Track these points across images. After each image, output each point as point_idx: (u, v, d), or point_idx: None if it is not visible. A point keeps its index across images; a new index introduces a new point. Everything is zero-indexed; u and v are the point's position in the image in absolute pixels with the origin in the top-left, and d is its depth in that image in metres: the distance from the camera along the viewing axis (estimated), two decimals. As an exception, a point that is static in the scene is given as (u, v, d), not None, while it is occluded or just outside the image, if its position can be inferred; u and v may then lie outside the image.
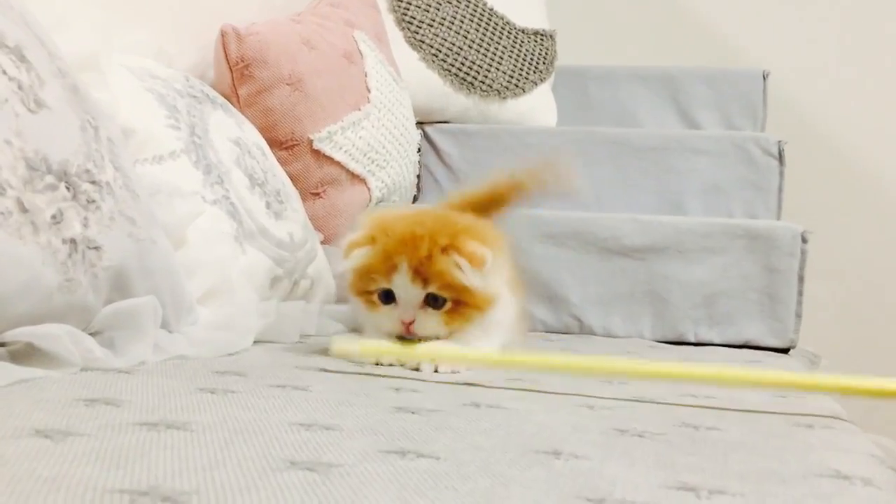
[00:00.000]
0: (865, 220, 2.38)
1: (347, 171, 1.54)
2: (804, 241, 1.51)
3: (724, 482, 0.52)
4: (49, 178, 0.79)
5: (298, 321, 1.15)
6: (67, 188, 0.81)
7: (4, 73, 0.80)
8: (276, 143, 1.44)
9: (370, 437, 0.59)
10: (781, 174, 1.81)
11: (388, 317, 0.96)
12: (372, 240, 0.97)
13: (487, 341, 0.98)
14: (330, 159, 1.51)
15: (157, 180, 1.05)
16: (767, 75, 2.13)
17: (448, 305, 0.95)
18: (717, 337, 1.51)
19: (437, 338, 0.96)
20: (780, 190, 1.81)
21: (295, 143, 1.46)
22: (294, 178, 1.44)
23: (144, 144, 1.07)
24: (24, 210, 0.76)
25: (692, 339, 1.52)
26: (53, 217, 0.79)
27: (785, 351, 1.50)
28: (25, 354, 0.76)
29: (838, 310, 2.32)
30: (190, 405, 0.65)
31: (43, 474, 0.45)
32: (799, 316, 1.51)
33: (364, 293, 0.98)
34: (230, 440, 0.55)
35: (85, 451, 0.50)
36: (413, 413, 0.68)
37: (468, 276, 0.93)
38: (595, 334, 1.54)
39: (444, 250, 0.94)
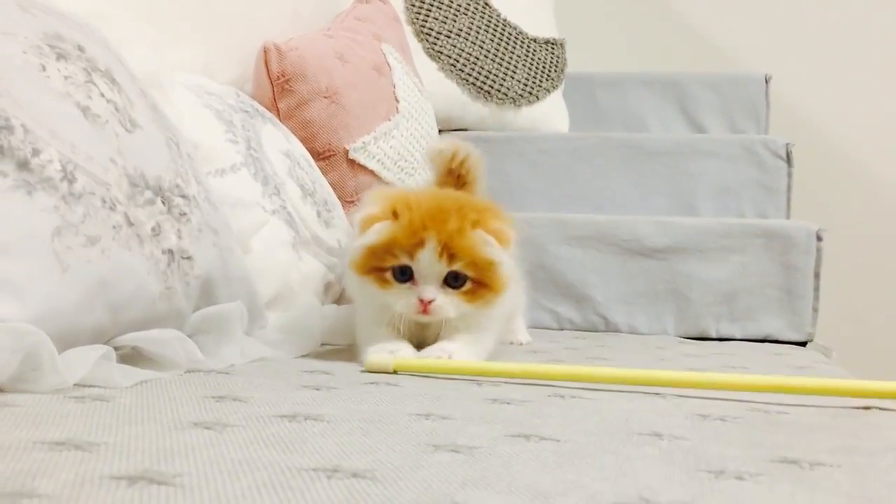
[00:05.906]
0: (870, 217, 2.46)
1: (380, 179, 1.59)
2: (819, 239, 1.58)
3: (817, 456, 0.58)
4: (147, 194, 0.85)
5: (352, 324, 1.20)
6: (163, 202, 0.87)
7: (102, 95, 0.85)
8: (314, 154, 1.49)
9: (486, 424, 0.64)
10: (790, 175, 1.88)
11: (403, 296, 0.94)
12: (394, 214, 0.94)
13: (480, 342, 0.98)
14: (364, 168, 1.56)
15: (221, 193, 1.10)
16: (769, 79, 2.20)
17: (467, 286, 0.94)
18: (738, 332, 1.58)
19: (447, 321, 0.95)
20: (789, 190, 1.88)
21: (332, 153, 1.52)
22: (331, 187, 1.50)
23: (207, 159, 1.13)
24: (130, 224, 0.81)
25: (714, 335, 1.58)
26: (153, 230, 0.84)
27: (802, 344, 1.57)
28: (132, 357, 0.81)
29: (852, 305, 2.40)
30: (308, 400, 0.71)
31: (233, 457, 0.50)
32: (816, 311, 1.58)
33: (375, 271, 0.94)
34: (366, 429, 0.60)
35: (249, 439, 0.55)
36: (508, 404, 0.74)
37: (495, 253, 0.93)
38: (620, 331, 1.61)
39: (474, 225, 0.94)
